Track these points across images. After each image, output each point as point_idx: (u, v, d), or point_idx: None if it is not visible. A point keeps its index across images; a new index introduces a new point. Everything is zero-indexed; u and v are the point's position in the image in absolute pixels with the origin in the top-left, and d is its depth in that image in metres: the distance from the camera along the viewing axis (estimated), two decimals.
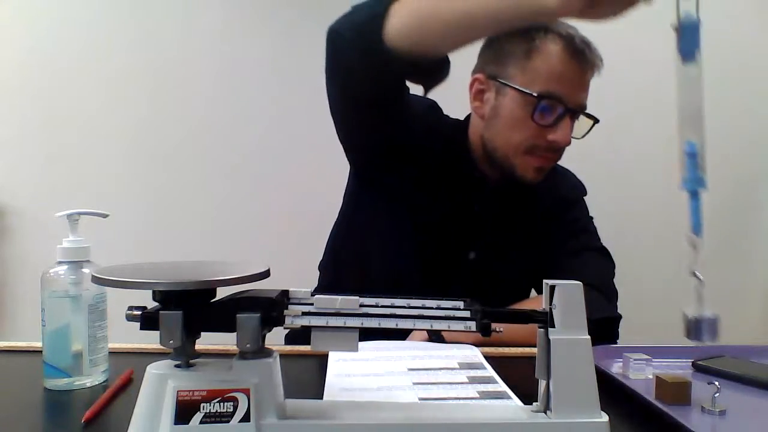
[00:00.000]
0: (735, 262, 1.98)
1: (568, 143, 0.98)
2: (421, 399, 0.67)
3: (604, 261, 1.15)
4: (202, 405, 0.49)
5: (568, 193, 1.19)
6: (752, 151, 1.96)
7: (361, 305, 0.53)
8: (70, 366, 0.70)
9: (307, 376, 0.74)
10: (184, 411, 0.49)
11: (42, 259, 0.74)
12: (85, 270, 0.72)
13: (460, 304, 0.54)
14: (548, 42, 0.95)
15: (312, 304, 0.53)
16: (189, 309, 0.49)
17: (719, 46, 1.93)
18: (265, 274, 0.52)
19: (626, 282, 1.93)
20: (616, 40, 1.92)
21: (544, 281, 0.54)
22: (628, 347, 0.81)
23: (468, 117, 1.12)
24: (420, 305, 0.54)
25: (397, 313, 0.53)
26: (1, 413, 0.64)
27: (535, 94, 0.95)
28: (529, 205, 1.12)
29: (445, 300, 0.54)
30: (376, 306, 0.53)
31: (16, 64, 1.88)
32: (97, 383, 0.72)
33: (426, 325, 0.53)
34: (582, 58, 0.95)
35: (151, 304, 0.51)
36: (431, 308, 0.54)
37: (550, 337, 0.52)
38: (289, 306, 0.53)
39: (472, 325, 0.53)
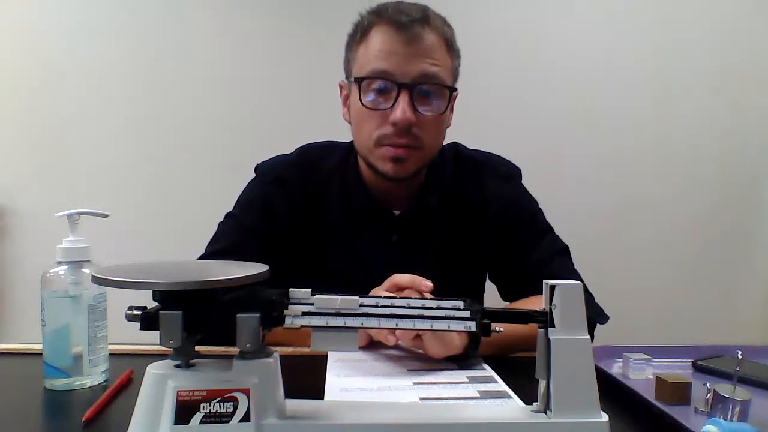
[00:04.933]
0: (735, 262, 1.98)
1: (408, 119, 0.89)
2: (421, 399, 0.67)
3: (572, 263, 1.06)
4: (202, 405, 0.49)
5: (502, 187, 1.07)
6: (753, 150, 1.96)
7: (361, 305, 0.53)
8: (70, 366, 0.70)
9: (307, 376, 0.74)
10: (184, 411, 0.49)
11: (42, 259, 0.74)
12: (85, 270, 0.72)
13: (460, 304, 0.54)
14: (373, 26, 0.92)
15: (312, 304, 0.53)
16: (189, 309, 0.49)
17: (720, 42, 1.94)
18: (265, 274, 0.52)
19: (626, 282, 1.94)
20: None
21: (544, 281, 0.54)
22: (628, 347, 0.81)
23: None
24: (420, 305, 0.54)
25: (397, 313, 0.53)
26: (1, 413, 0.64)
27: (358, 77, 0.92)
28: (467, 215, 1.04)
29: (445, 300, 0.54)
30: (376, 306, 0.53)
31: (15, 65, 1.88)
32: (97, 383, 0.72)
33: (426, 325, 0.53)
34: (409, 27, 0.89)
35: (151, 304, 0.51)
36: (431, 308, 0.54)
37: (550, 337, 0.52)
38: (289, 306, 0.52)
39: (472, 325, 0.53)
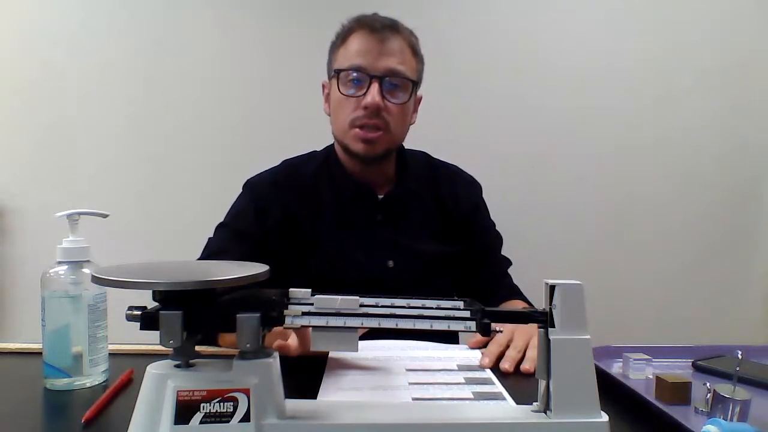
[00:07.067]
0: (735, 262, 1.98)
1: (377, 104, 1.03)
2: (414, 399, 0.67)
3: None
4: (202, 405, 0.49)
5: (470, 192, 1.24)
6: (753, 150, 1.96)
7: (361, 305, 0.53)
8: (70, 366, 0.70)
9: (307, 376, 0.74)
10: (184, 411, 0.49)
11: (42, 259, 0.74)
12: (85, 270, 0.72)
13: (460, 304, 0.54)
14: (352, 31, 1.08)
15: (312, 304, 0.53)
16: (189, 309, 0.49)
17: (720, 42, 1.94)
18: (265, 274, 0.52)
19: (627, 282, 1.94)
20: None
21: (544, 281, 0.54)
22: (628, 347, 0.81)
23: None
24: (420, 305, 0.54)
25: (397, 313, 0.53)
26: (1, 413, 0.64)
27: (338, 68, 1.07)
28: (441, 206, 1.18)
29: (445, 300, 0.54)
30: (376, 306, 0.53)
31: (15, 65, 1.88)
32: (97, 383, 0.72)
33: (426, 325, 0.53)
34: (381, 32, 1.05)
35: (151, 304, 0.51)
36: (431, 308, 0.54)
37: (550, 337, 0.52)
38: (289, 306, 0.53)
39: (472, 325, 0.53)
